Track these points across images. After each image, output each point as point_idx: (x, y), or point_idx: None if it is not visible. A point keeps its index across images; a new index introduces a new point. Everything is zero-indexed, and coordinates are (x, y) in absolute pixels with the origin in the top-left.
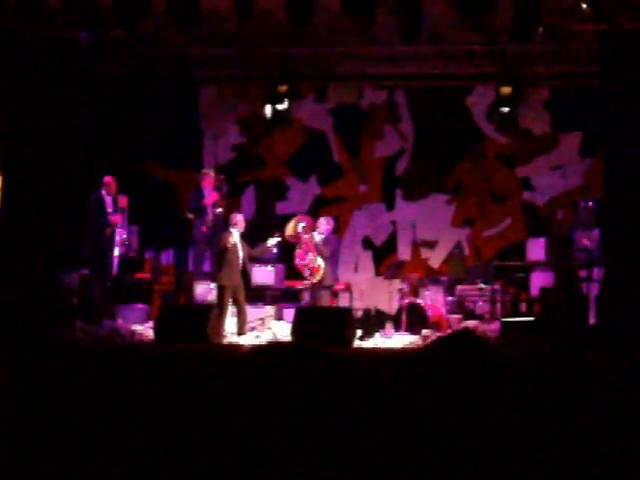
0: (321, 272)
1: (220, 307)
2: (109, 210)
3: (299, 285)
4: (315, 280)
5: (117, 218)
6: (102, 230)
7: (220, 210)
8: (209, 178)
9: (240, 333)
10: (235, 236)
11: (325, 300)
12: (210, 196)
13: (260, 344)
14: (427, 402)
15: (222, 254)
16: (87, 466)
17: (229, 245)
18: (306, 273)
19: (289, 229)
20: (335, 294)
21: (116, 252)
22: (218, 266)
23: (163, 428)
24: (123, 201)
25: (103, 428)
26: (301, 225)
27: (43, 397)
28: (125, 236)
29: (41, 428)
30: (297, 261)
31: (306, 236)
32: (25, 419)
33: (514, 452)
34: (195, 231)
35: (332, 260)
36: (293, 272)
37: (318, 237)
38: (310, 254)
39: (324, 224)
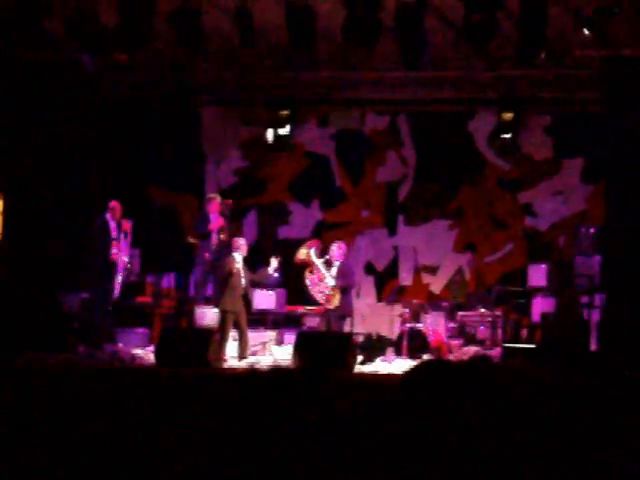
0: (336, 299)
1: (222, 332)
2: (113, 234)
3: (300, 309)
4: (330, 307)
5: (120, 245)
6: (105, 254)
7: (222, 236)
8: (215, 203)
9: (242, 357)
10: (238, 260)
11: (338, 328)
12: (216, 221)
13: (259, 368)
14: (437, 424)
15: (225, 279)
16: None
17: (234, 270)
18: (321, 300)
19: (301, 254)
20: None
21: (119, 277)
22: (221, 291)
23: (162, 450)
24: (127, 225)
25: (103, 449)
26: (313, 250)
27: (42, 419)
28: (127, 260)
29: (37, 448)
30: (310, 287)
31: (318, 262)
32: (20, 439)
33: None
34: (198, 255)
35: (349, 289)
36: (295, 296)
37: (334, 269)
38: (325, 281)
39: (336, 250)
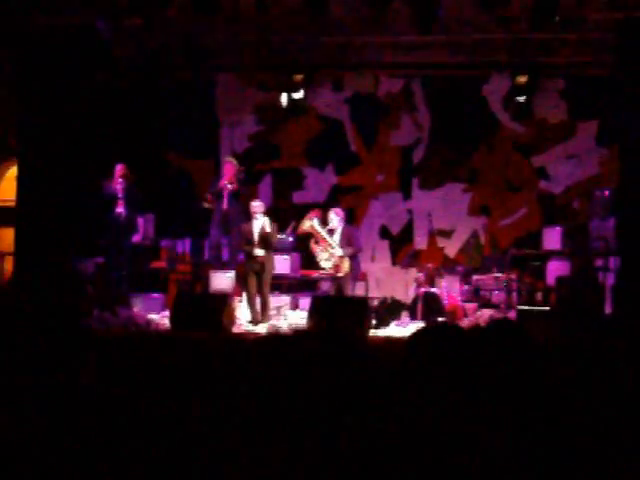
0: (346, 266)
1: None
2: (119, 195)
3: (315, 274)
4: (341, 274)
5: (124, 203)
6: (114, 218)
7: (231, 186)
8: (230, 165)
9: (257, 322)
10: (257, 225)
11: (349, 292)
12: (226, 176)
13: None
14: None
15: (239, 244)
16: (98, 455)
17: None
18: (330, 269)
19: (305, 226)
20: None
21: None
22: (237, 255)
23: (175, 417)
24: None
25: (117, 418)
26: (316, 221)
27: (60, 385)
28: (122, 210)
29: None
30: (317, 257)
31: (323, 232)
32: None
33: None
34: (212, 220)
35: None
36: (309, 261)
37: (336, 236)
38: (332, 250)
39: (334, 217)
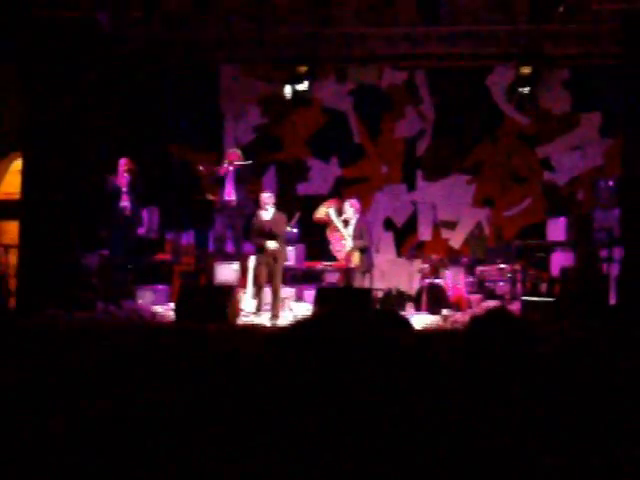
0: (356, 258)
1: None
2: (124, 189)
3: (319, 266)
4: (352, 265)
5: (129, 197)
6: (119, 211)
7: (235, 165)
8: (234, 154)
9: (257, 311)
10: (267, 216)
11: (359, 284)
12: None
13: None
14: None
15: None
16: (101, 452)
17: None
18: (341, 259)
19: (320, 213)
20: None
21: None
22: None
23: (178, 409)
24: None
25: (122, 411)
26: (332, 210)
27: (63, 378)
28: (127, 204)
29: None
30: (332, 246)
31: (337, 222)
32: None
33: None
34: (217, 211)
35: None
36: (314, 253)
37: (350, 227)
38: (344, 241)
39: (349, 209)
